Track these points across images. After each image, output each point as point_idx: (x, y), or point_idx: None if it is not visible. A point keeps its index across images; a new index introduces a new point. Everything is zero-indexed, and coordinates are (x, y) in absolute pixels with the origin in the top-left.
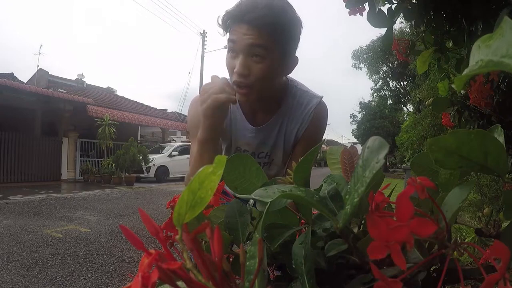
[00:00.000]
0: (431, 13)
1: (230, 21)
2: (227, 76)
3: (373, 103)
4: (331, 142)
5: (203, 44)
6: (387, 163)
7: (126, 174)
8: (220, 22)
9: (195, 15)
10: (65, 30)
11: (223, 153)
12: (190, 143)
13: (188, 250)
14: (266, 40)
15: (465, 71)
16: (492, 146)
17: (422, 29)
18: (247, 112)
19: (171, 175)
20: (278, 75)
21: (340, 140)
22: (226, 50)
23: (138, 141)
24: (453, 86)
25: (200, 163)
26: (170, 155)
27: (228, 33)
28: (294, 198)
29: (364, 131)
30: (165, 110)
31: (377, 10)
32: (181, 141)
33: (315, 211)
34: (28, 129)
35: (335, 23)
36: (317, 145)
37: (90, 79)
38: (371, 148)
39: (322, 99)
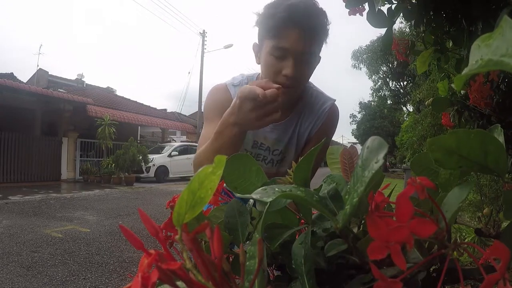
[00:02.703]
0: (431, 13)
1: (282, 25)
2: (229, 76)
3: (372, 103)
4: (331, 142)
5: (203, 44)
6: (387, 163)
7: (126, 174)
8: (262, 20)
9: (195, 15)
10: (65, 30)
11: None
12: (189, 143)
13: (187, 250)
14: (315, 46)
15: (465, 71)
16: (492, 146)
17: (422, 29)
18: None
19: (170, 175)
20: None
21: (340, 140)
22: (225, 50)
23: (138, 141)
24: (452, 86)
25: (218, 150)
26: (170, 155)
27: (273, 36)
28: (294, 198)
29: (363, 131)
30: (165, 110)
31: (377, 10)
32: (181, 141)
33: (315, 211)
34: (28, 129)
35: (335, 23)
36: (317, 145)
37: (90, 79)
38: (370, 148)
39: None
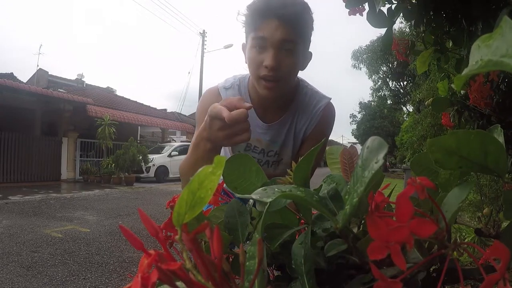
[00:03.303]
0: (431, 13)
1: (259, 17)
2: (228, 75)
3: (372, 103)
4: (331, 142)
5: (203, 44)
6: (387, 163)
7: (126, 174)
8: (244, 18)
9: (195, 15)
10: (65, 30)
11: (231, 149)
12: (189, 143)
13: (187, 250)
14: (295, 35)
15: (465, 71)
16: (492, 146)
17: (422, 29)
18: (258, 108)
19: (170, 175)
20: (299, 70)
21: (340, 140)
22: (225, 50)
23: (138, 141)
24: (453, 86)
25: (195, 163)
26: (169, 155)
27: (253, 29)
28: (294, 198)
29: (363, 131)
30: (165, 110)
31: (377, 10)
32: (181, 141)
33: (314, 211)
34: (28, 129)
35: (335, 23)
36: (317, 145)
37: (90, 79)
38: (370, 148)
39: (330, 101)
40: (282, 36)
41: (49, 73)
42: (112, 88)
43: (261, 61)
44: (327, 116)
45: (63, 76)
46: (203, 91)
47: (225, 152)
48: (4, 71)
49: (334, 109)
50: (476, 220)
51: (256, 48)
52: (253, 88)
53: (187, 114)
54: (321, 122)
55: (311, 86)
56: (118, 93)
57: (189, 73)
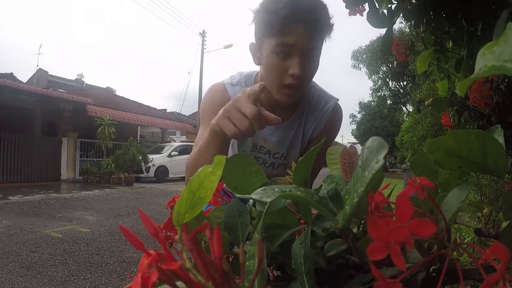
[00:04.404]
0: (431, 13)
1: (283, 22)
2: (225, 75)
3: (372, 103)
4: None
5: (203, 44)
6: (387, 163)
7: (126, 174)
8: (259, 18)
9: (195, 15)
10: (65, 30)
11: (236, 146)
12: (189, 143)
13: (187, 250)
14: (320, 41)
15: (470, 77)
16: (491, 147)
17: (422, 29)
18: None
19: (170, 175)
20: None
21: (339, 140)
22: (225, 50)
23: (138, 141)
24: (456, 91)
25: (206, 150)
26: (169, 155)
27: (276, 34)
28: (294, 198)
29: (363, 131)
30: (165, 110)
31: (380, 13)
32: (181, 141)
33: (314, 211)
34: (28, 129)
35: (335, 23)
36: (317, 145)
37: (90, 79)
38: (370, 148)
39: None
40: (310, 43)
41: (49, 73)
42: (112, 88)
43: (285, 68)
44: (335, 117)
45: (63, 76)
46: (203, 91)
47: (229, 152)
48: (4, 71)
49: (341, 110)
50: (476, 220)
51: (279, 54)
52: None
53: (187, 114)
54: (329, 123)
55: (318, 86)
56: (118, 93)
57: (189, 73)
